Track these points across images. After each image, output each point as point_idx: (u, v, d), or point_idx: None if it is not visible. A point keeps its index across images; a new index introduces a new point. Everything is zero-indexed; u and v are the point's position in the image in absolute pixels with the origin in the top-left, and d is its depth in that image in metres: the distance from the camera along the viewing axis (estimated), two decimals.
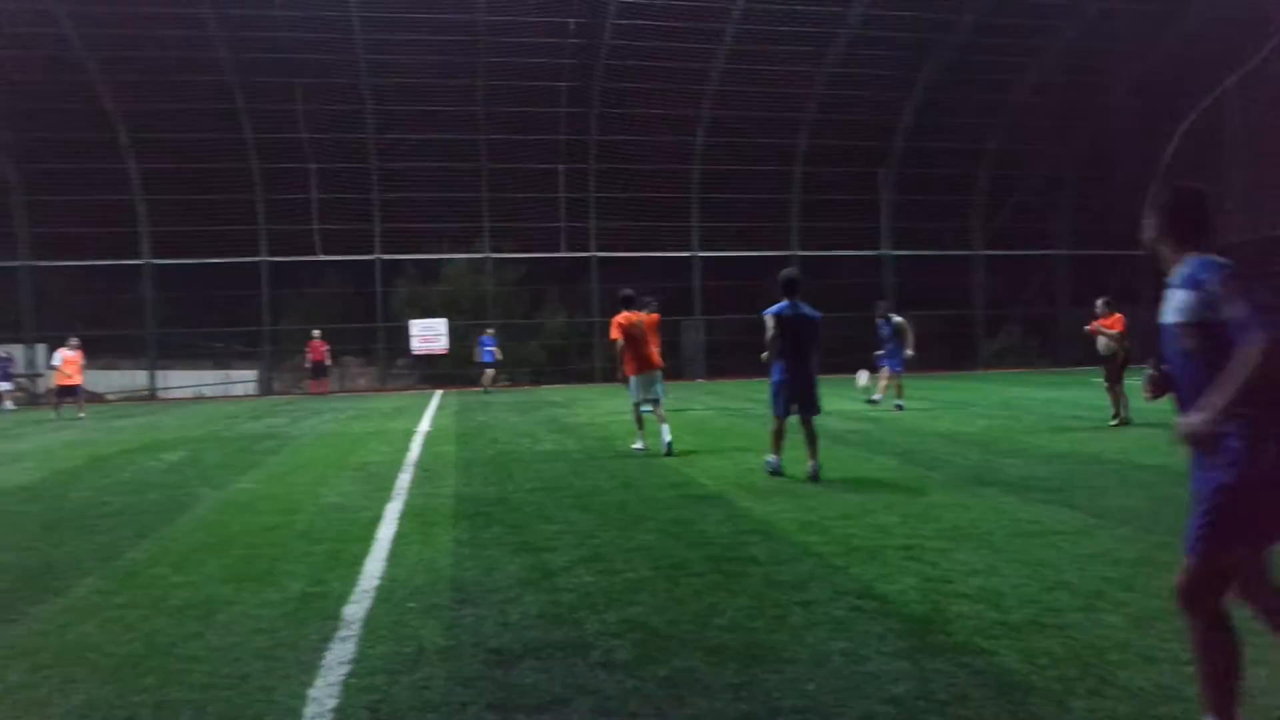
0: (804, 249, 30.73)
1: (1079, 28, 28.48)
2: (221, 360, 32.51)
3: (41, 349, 26.84)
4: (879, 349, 16.79)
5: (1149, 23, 28.03)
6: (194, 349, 31.13)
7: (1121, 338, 13.10)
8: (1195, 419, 2.82)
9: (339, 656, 4.04)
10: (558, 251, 30.65)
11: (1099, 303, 13.41)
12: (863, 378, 17.46)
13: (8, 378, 25.53)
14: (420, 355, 30.38)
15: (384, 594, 5.02)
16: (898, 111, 30.45)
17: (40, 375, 27.16)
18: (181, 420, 18.86)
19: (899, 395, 16.12)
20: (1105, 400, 13.21)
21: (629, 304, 11.21)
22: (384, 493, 8.44)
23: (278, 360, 30.85)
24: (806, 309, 8.86)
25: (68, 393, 19.32)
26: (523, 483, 8.86)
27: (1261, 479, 2.75)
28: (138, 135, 27.42)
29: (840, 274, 30.97)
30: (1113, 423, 12.66)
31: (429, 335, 29.85)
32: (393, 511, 7.49)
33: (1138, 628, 4.16)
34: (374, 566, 5.64)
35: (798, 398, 8.84)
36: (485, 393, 25.20)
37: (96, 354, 24.01)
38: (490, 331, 27.12)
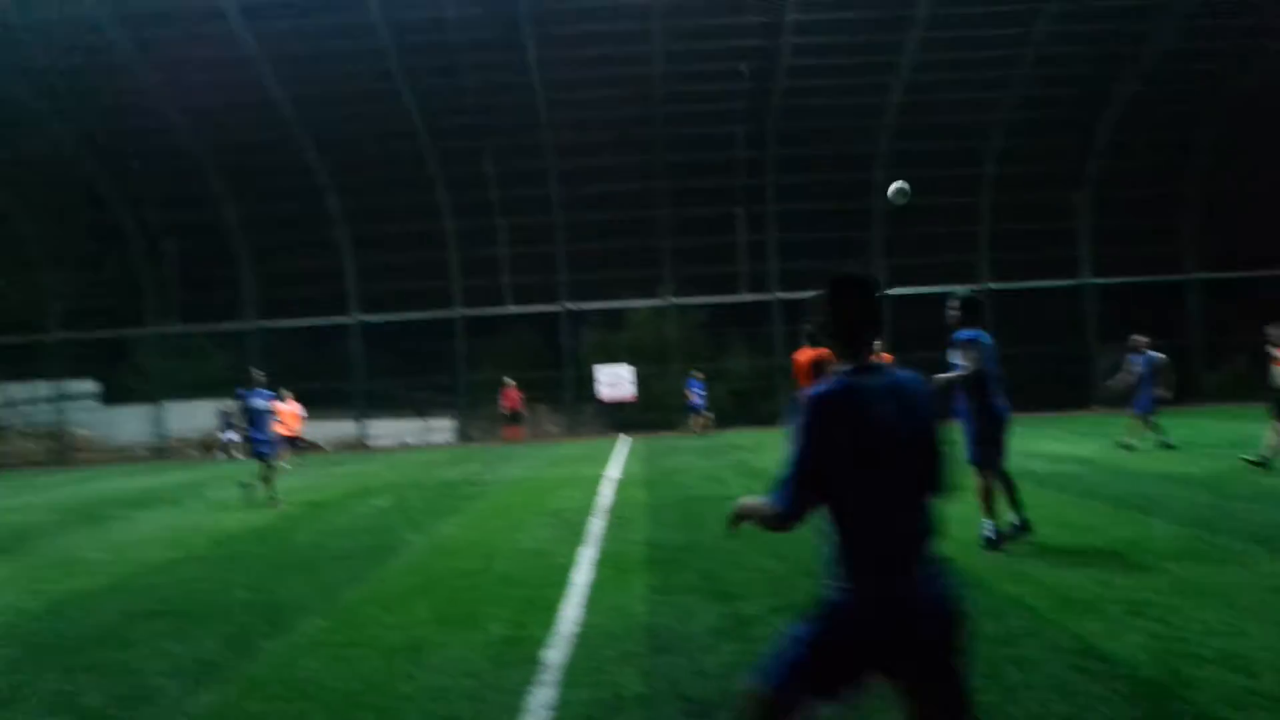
0: (996, 280, 29.44)
1: None
2: (422, 409, 34.50)
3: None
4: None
5: None
6: (397, 399, 33.16)
7: None
8: None
9: (541, 701, 4.12)
10: (738, 294, 30.75)
11: (1274, 330, 11.61)
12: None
13: (230, 429, 28.23)
14: (607, 401, 31.09)
15: (581, 640, 5.10)
16: (1091, 130, 28.82)
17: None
18: (387, 467, 20.04)
19: (1130, 435, 14.94)
20: None
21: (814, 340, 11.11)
22: (577, 538, 8.62)
23: (473, 409, 32.33)
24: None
25: (286, 442, 20.96)
26: (713, 528, 8.81)
27: None
28: (346, 201, 29.82)
29: (1037, 305, 29.47)
30: (1252, 459, 11.26)
31: (615, 381, 30.54)
32: (587, 557, 7.63)
33: None
34: (571, 612, 5.74)
35: (1000, 441, 7.31)
36: (699, 436, 25.45)
37: (311, 406, 26.02)
38: (698, 375, 27.53)
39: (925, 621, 2.49)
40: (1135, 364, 15.31)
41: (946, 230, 29.70)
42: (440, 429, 33.15)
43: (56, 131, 27.37)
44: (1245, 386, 29.64)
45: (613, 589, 6.35)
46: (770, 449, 12.27)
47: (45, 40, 25.29)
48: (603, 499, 11.77)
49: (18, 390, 31.71)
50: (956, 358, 7.15)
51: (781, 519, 2.65)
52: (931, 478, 2.61)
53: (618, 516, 10.06)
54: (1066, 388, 28.00)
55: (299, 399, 21.49)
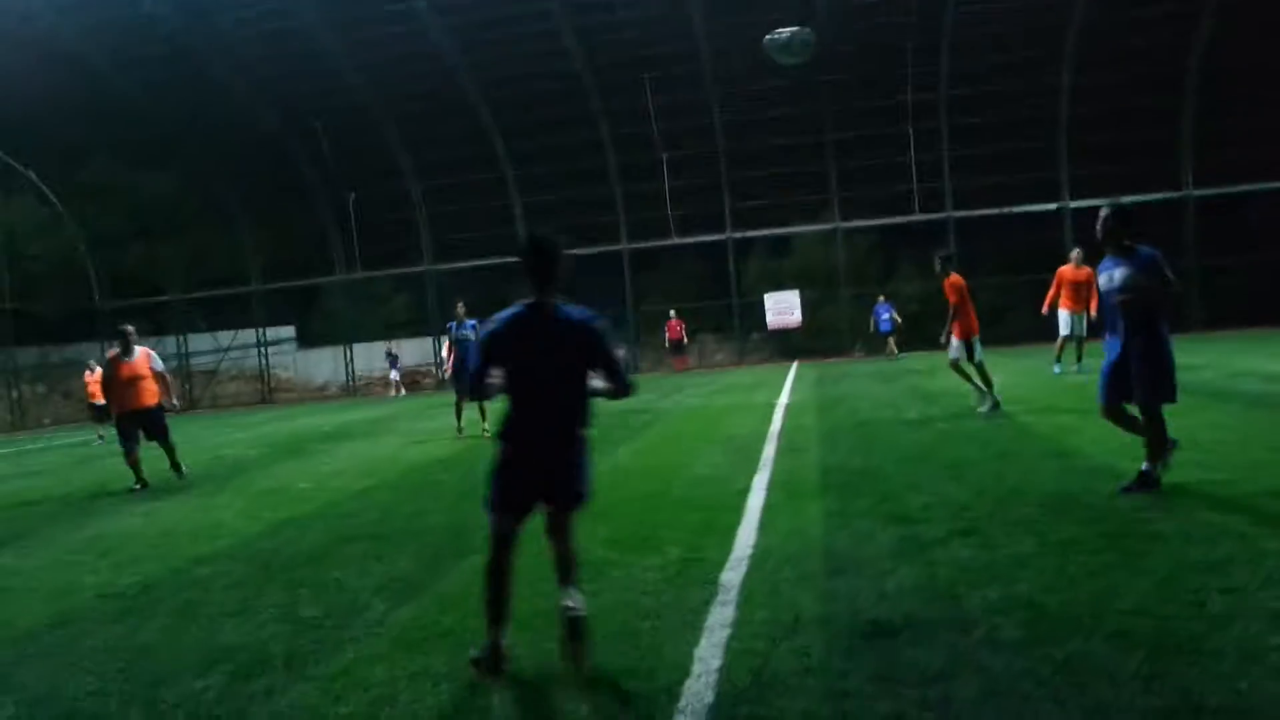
0: (1200, 187, 27.02)
1: None
2: None
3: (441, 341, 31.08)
4: None
5: None
6: None
7: None
8: None
9: (720, 620, 4.19)
10: (910, 215, 29.57)
11: None
12: None
13: (396, 368, 30.15)
14: (775, 329, 30.80)
15: (758, 562, 5.13)
16: None
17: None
18: None
19: None
20: None
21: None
22: (751, 463, 8.64)
23: (642, 340, 32.80)
24: None
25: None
26: (889, 453, 8.64)
27: None
28: (512, 144, 30.45)
29: (1242, 212, 26.94)
30: None
31: (783, 309, 30.19)
32: (760, 482, 7.64)
33: None
34: (747, 535, 5.78)
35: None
36: (893, 361, 25.00)
37: None
38: (885, 299, 26.94)
39: (549, 472, 3.87)
40: None
41: (1142, 137, 27.41)
42: None
43: (247, 97, 29.16)
44: None
45: (788, 513, 6.34)
46: (947, 372, 11.83)
47: (236, 9, 26.83)
48: (775, 425, 11.73)
49: (226, 338, 34.57)
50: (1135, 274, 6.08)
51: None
52: (575, 385, 3.90)
53: (790, 442, 10.01)
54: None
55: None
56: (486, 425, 13.36)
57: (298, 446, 14.43)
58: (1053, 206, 28.63)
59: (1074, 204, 28.12)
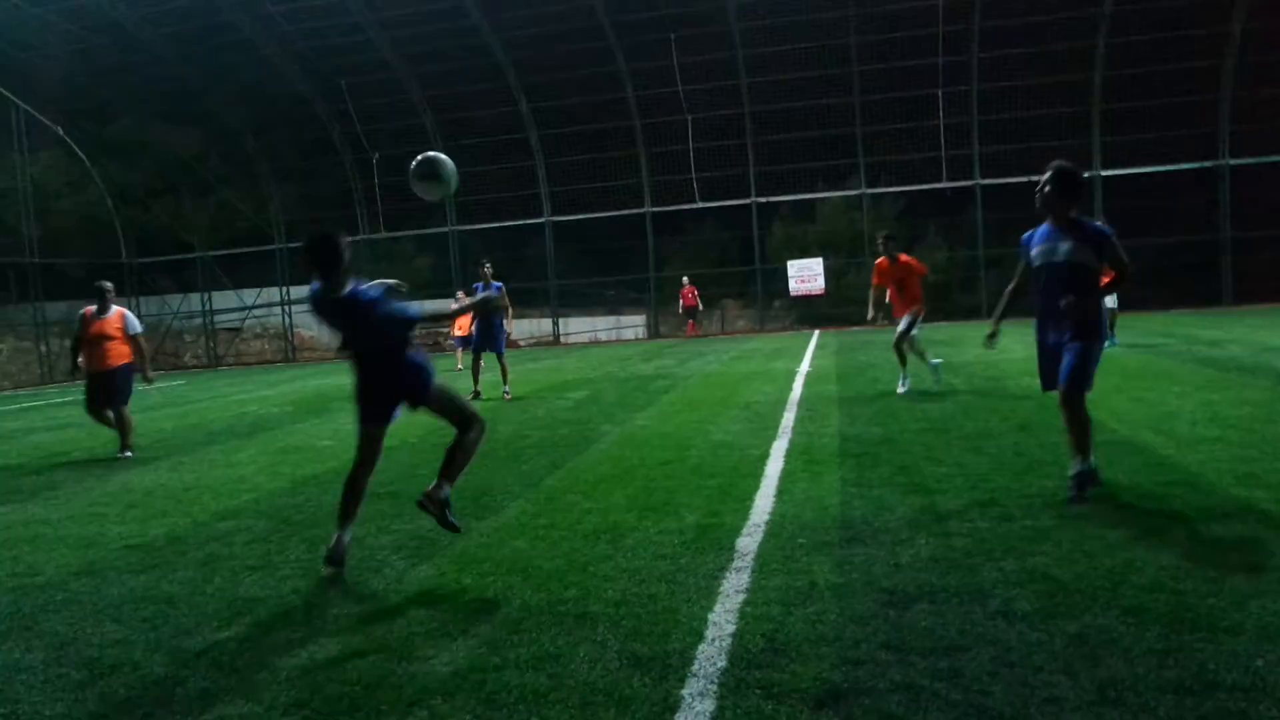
0: (1237, 156, 26.48)
1: None
2: (613, 306, 35.28)
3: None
4: None
5: None
6: (588, 297, 34.03)
7: None
8: None
9: (735, 585, 4.21)
10: (938, 182, 29.18)
11: None
12: None
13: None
14: (798, 296, 30.64)
15: (774, 529, 5.14)
16: None
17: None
18: (581, 363, 20.70)
19: None
20: None
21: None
22: (769, 431, 8.64)
23: (663, 305, 32.74)
24: None
25: (464, 342, 21.83)
26: (908, 423, 8.61)
27: None
28: (535, 105, 30.24)
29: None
30: None
31: (806, 276, 29.98)
32: (779, 449, 7.64)
33: None
34: (763, 502, 5.79)
35: None
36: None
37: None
38: None
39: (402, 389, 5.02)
40: None
41: (1180, 103, 26.83)
42: (631, 325, 33.86)
43: (273, 55, 29.07)
44: None
45: (806, 481, 6.34)
46: (971, 343, 11.73)
47: None
48: (794, 393, 11.71)
49: (251, 296, 34.79)
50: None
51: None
52: (381, 348, 4.99)
53: (810, 410, 10.00)
54: None
55: None
56: (508, 387, 13.43)
57: (320, 405, 14.55)
58: (1084, 175, 28.16)
59: (1105, 173, 27.66)
